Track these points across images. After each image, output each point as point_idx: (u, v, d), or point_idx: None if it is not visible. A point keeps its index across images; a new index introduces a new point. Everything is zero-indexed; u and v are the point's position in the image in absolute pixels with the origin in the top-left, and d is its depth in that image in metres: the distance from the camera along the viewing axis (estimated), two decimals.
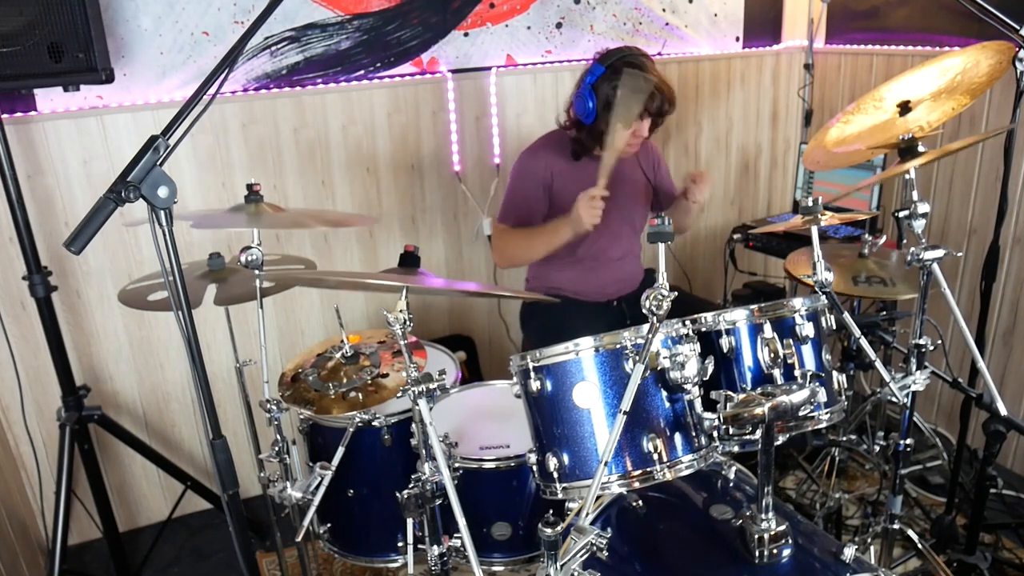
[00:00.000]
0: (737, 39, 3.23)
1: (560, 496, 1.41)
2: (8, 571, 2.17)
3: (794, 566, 1.32)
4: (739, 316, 1.44)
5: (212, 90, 1.23)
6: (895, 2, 2.93)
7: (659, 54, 3.09)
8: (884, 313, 2.52)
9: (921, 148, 1.68)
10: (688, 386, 1.32)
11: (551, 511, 1.18)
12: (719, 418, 1.27)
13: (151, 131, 1.27)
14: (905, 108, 1.75)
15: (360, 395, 1.70)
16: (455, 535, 1.61)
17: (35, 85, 2.19)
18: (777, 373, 1.43)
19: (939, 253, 1.65)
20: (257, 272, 1.73)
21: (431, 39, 2.72)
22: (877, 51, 2.99)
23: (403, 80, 2.72)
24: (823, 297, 1.47)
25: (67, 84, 2.03)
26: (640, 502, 1.55)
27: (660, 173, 2.52)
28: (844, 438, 2.56)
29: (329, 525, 2.01)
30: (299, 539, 1.86)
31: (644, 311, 1.21)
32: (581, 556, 1.16)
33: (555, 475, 1.39)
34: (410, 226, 2.88)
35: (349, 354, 1.80)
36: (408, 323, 1.46)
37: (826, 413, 1.45)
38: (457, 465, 1.75)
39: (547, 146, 2.35)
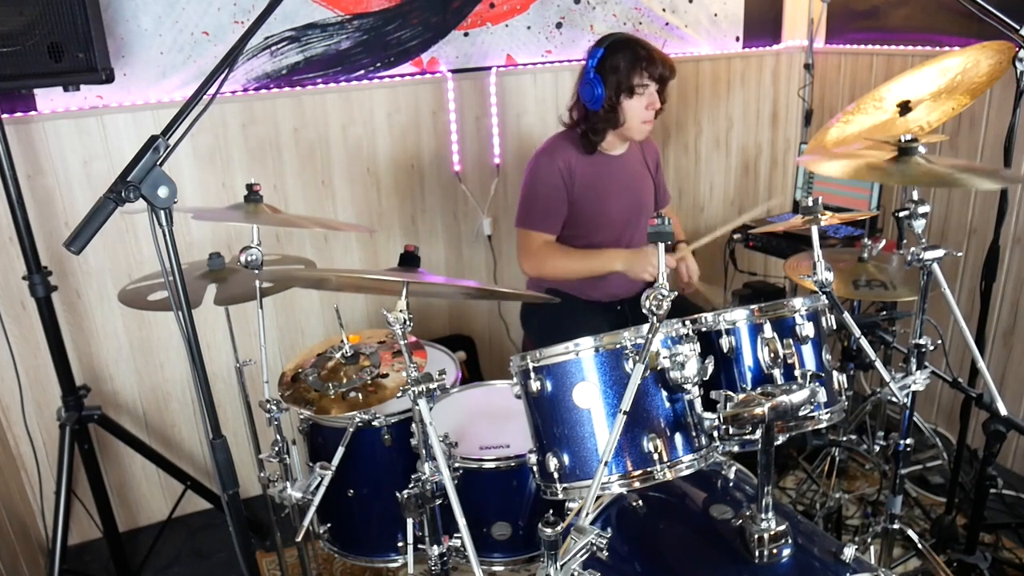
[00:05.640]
0: (737, 39, 3.23)
1: (560, 496, 1.41)
2: (8, 571, 2.17)
3: (794, 566, 1.31)
4: (739, 316, 1.44)
5: (212, 90, 1.23)
6: (895, 2, 2.92)
7: None
8: (884, 313, 2.52)
9: (922, 149, 1.68)
10: (688, 386, 1.32)
11: (551, 511, 1.18)
12: (719, 418, 1.27)
13: (151, 131, 1.27)
14: (905, 108, 1.75)
15: (360, 395, 1.70)
16: (455, 535, 1.61)
17: (35, 85, 2.19)
18: (777, 373, 1.43)
19: (939, 253, 1.65)
20: (256, 272, 1.73)
21: (431, 39, 2.72)
22: (877, 51, 2.99)
23: (403, 80, 2.72)
24: (823, 297, 1.47)
25: (67, 84, 2.03)
26: (640, 502, 1.55)
27: (658, 170, 2.54)
28: (844, 438, 2.56)
29: (329, 525, 2.01)
30: (299, 539, 1.86)
31: (644, 311, 1.21)
32: (581, 556, 1.16)
33: (555, 475, 1.39)
34: (410, 226, 2.88)
35: (349, 354, 1.80)
36: (408, 323, 1.46)
37: (826, 413, 1.45)
38: (457, 465, 1.75)
39: (561, 145, 2.32)
